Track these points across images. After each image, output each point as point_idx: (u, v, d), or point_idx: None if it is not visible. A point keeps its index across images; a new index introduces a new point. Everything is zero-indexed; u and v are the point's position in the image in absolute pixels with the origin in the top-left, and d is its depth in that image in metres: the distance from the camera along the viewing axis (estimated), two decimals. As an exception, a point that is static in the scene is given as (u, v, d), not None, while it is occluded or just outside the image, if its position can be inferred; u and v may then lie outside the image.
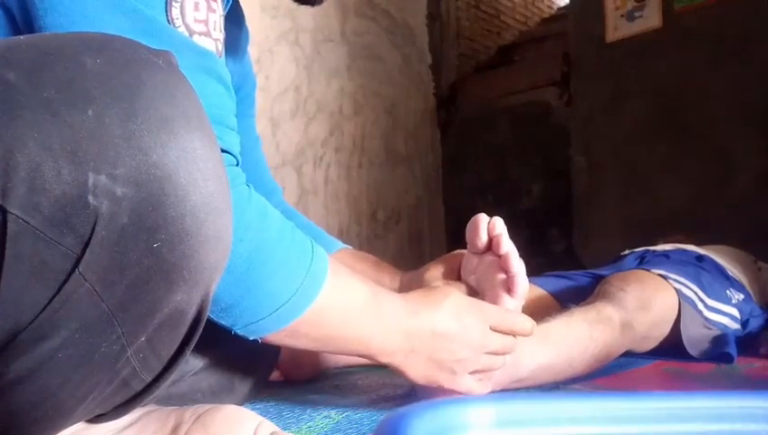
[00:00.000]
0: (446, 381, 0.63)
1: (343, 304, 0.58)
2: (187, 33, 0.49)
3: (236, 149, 0.54)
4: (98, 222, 0.34)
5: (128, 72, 0.36)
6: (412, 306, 0.61)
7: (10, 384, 0.36)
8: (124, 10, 0.46)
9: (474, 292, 0.71)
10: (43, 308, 0.35)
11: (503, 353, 0.66)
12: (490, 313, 0.64)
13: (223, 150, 0.49)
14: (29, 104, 0.33)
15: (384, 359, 0.61)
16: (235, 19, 0.74)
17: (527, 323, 0.66)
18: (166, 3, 0.48)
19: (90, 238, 0.34)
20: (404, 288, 0.75)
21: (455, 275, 0.73)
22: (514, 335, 0.66)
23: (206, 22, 0.51)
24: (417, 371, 0.62)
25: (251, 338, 0.55)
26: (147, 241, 0.36)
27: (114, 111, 0.35)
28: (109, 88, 0.35)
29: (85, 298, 0.35)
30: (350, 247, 0.84)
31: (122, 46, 0.38)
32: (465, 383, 0.64)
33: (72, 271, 0.35)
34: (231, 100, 0.54)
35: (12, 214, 0.33)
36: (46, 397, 0.38)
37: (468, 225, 0.70)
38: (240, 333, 0.54)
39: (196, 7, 0.50)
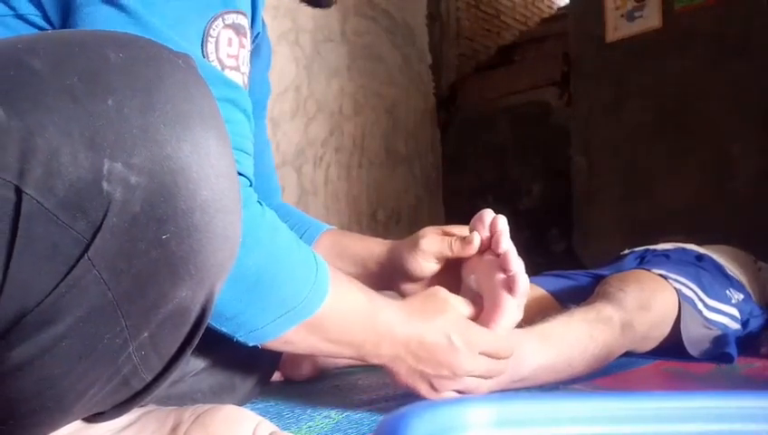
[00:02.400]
0: (426, 393, 0.64)
1: (342, 311, 0.60)
2: (219, 67, 0.52)
3: (251, 172, 0.57)
4: (110, 209, 0.35)
5: (149, 67, 0.37)
6: (406, 313, 0.63)
7: (12, 370, 0.36)
8: (163, 42, 0.47)
9: (473, 293, 0.70)
10: (50, 292, 0.35)
11: (488, 377, 0.66)
12: (481, 338, 0.64)
13: (239, 173, 0.51)
14: (51, 90, 0.34)
15: (373, 360, 0.63)
16: (262, 37, 0.75)
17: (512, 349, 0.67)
18: (202, 38, 0.50)
19: (101, 224, 0.35)
20: (394, 246, 0.76)
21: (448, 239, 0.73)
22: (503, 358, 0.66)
23: (236, 57, 0.53)
24: (402, 376, 0.63)
25: (250, 344, 0.56)
26: (156, 232, 0.36)
27: (133, 102, 0.36)
28: (129, 80, 0.36)
29: (92, 285, 0.36)
30: (334, 227, 0.84)
31: (145, 44, 0.39)
32: (446, 397, 0.64)
33: (82, 256, 0.35)
34: (251, 129, 0.57)
35: (27, 194, 0.33)
36: (47, 387, 0.38)
37: (473, 219, 0.71)
38: (241, 340, 0.55)
39: (230, 43, 0.52)
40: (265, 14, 2.32)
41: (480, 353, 0.64)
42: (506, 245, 0.67)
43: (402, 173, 2.92)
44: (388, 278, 0.77)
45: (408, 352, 0.62)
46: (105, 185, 0.34)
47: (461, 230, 0.74)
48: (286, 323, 0.55)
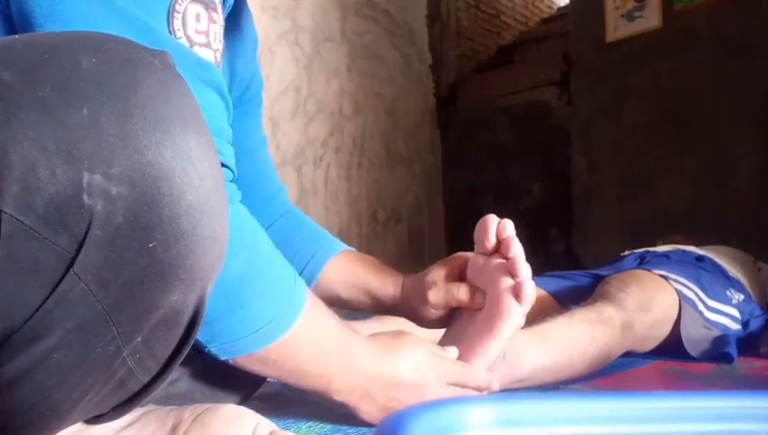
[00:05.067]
0: None
1: (316, 336, 0.58)
2: (187, 44, 0.50)
3: (232, 161, 0.55)
4: (93, 221, 0.34)
5: (123, 71, 0.36)
6: (376, 350, 0.61)
7: (5, 385, 0.36)
8: (126, 19, 0.46)
9: (479, 291, 0.70)
10: (38, 308, 0.35)
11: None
12: (452, 370, 0.63)
13: (222, 164, 0.50)
14: (24, 103, 0.33)
15: (339, 397, 0.61)
16: (242, 19, 0.74)
17: (488, 378, 0.66)
18: (168, 14, 0.48)
19: (84, 238, 0.34)
20: (406, 292, 0.75)
21: (456, 277, 0.73)
22: (480, 390, 0.65)
23: (206, 33, 0.51)
24: (370, 415, 0.61)
25: (222, 358, 0.55)
26: (142, 241, 0.36)
27: (109, 110, 0.35)
28: (104, 87, 0.35)
29: (80, 298, 0.35)
30: (354, 250, 0.83)
31: (118, 46, 0.38)
32: None
33: (67, 271, 0.34)
34: (228, 110, 0.55)
35: (6, 213, 0.33)
36: (41, 398, 0.38)
37: (477, 225, 0.69)
38: (213, 351, 0.54)
39: (198, 18, 0.50)
40: (265, 13, 2.31)
41: (449, 384, 0.63)
42: (516, 249, 0.66)
43: (402, 173, 2.92)
44: (400, 313, 0.77)
45: (378, 389, 0.60)
46: (86, 198, 0.34)
47: (464, 260, 0.73)
48: (262, 338, 0.54)
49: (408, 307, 0.75)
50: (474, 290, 0.70)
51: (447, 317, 0.73)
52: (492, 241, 0.67)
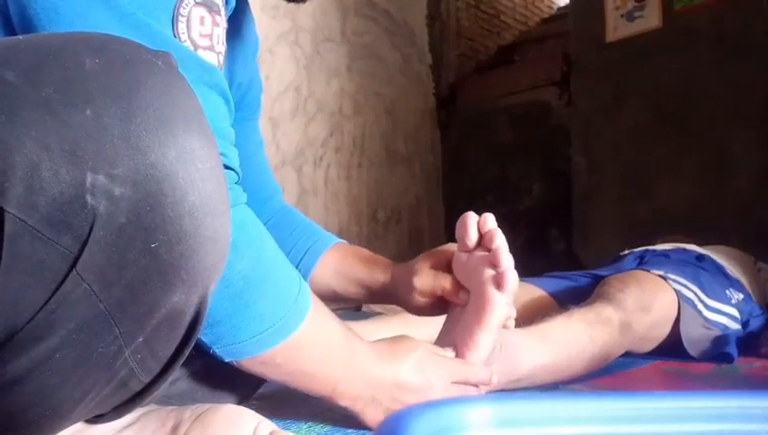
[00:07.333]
0: None
1: (320, 340, 0.58)
2: (192, 48, 0.50)
3: (237, 165, 0.55)
4: (96, 222, 0.34)
5: (127, 72, 0.36)
6: (379, 355, 0.62)
7: (7, 385, 0.36)
8: (132, 23, 0.46)
9: (462, 288, 0.70)
10: (41, 308, 0.35)
11: None
12: (453, 368, 0.64)
13: (227, 167, 0.50)
14: (27, 103, 0.33)
15: (344, 402, 0.60)
16: (243, 23, 0.74)
17: (488, 372, 0.66)
18: (173, 17, 0.48)
19: (87, 238, 0.34)
20: (395, 280, 0.76)
21: (444, 267, 0.73)
22: (477, 386, 0.66)
23: (210, 36, 0.51)
24: (375, 420, 0.61)
25: (226, 360, 0.55)
26: (145, 241, 0.36)
27: (113, 110, 0.35)
28: (107, 88, 0.35)
29: (82, 298, 0.35)
30: (346, 242, 0.84)
31: (122, 47, 0.38)
32: None
33: (70, 271, 0.35)
34: (230, 112, 0.55)
35: (9, 213, 0.33)
36: (43, 397, 0.38)
37: (457, 223, 0.70)
38: (218, 353, 0.54)
39: (202, 22, 0.50)
40: (265, 14, 2.32)
41: (452, 383, 0.63)
42: (499, 241, 0.66)
43: (402, 173, 2.92)
44: (390, 301, 0.78)
45: (383, 394, 0.60)
46: (89, 198, 0.34)
47: (451, 252, 0.73)
48: (267, 340, 0.54)
49: (397, 294, 0.75)
50: (457, 285, 0.71)
51: (435, 305, 0.74)
52: (472, 238, 0.68)
